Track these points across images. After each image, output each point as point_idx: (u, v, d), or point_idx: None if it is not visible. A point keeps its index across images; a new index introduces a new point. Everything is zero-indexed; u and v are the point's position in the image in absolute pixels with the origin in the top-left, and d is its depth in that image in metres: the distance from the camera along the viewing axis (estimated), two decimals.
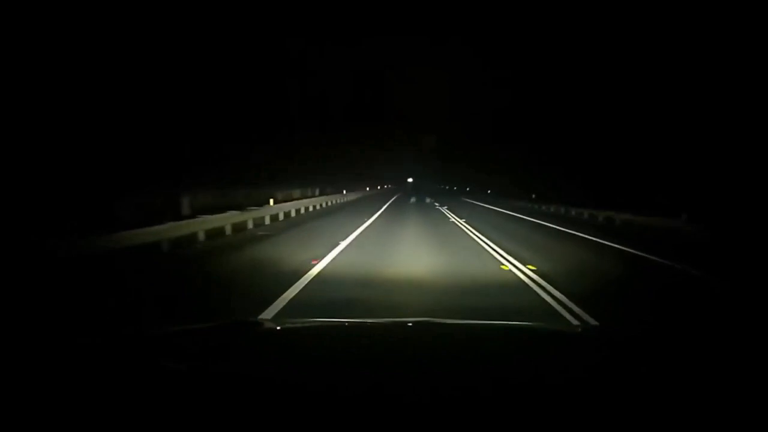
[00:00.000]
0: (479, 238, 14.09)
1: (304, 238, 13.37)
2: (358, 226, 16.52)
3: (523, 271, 8.71)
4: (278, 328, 2.00)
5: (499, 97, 55.19)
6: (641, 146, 26.47)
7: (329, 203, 30.40)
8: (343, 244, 11.72)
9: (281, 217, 19.22)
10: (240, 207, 15.91)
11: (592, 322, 5.61)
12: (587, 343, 1.94)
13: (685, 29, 23.60)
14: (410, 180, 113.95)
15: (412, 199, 42.94)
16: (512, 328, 2.36)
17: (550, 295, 6.88)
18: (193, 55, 21.08)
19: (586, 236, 15.59)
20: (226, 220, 13.78)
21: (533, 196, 37.83)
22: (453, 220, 21.45)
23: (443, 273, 8.37)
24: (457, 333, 2.05)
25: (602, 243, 13.91)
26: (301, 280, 7.50)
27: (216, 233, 12.87)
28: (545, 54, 44.13)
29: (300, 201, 24.14)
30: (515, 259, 10.06)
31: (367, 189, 56.89)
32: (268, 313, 5.59)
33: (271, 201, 19.80)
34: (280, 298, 6.27)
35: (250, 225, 15.44)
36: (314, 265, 8.67)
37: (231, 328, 1.96)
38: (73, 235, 8.00)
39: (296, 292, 6.72)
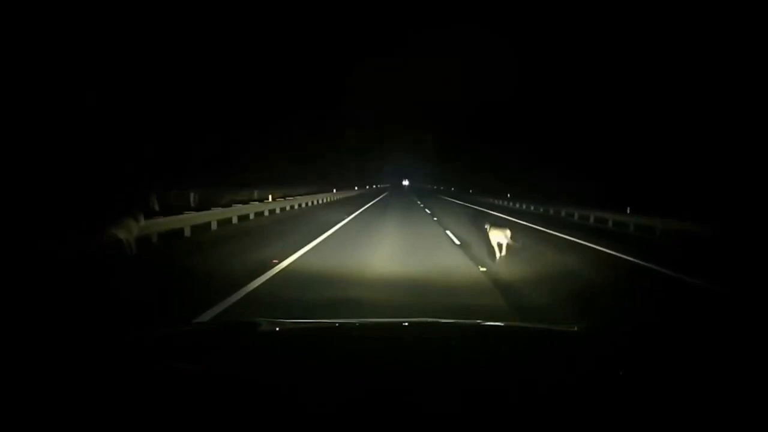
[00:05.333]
0: None
1: None
2: None
3: None
4: (278, 328, 2.01)
5: (501, 95, 55.00)
6: (646, 146, 26.26)
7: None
8: None
9: None
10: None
11: None
12: (587, 343, 1.94)
13: (688, 30, 23.52)
14: (406, 183, 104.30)
15: None
16: (510, 327, 2.36)
17: None
18: (194, 56, 21.03)
19: None
20: None
21: None
22: None
23: None
24: (455, 333, 2.06)
25: None
26: None
27: None
28: (547, 54, 44.08)
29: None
30: None
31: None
32: None
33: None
34: None
35: None
36: None
37: (231, 328, 1.97)
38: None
39: None
